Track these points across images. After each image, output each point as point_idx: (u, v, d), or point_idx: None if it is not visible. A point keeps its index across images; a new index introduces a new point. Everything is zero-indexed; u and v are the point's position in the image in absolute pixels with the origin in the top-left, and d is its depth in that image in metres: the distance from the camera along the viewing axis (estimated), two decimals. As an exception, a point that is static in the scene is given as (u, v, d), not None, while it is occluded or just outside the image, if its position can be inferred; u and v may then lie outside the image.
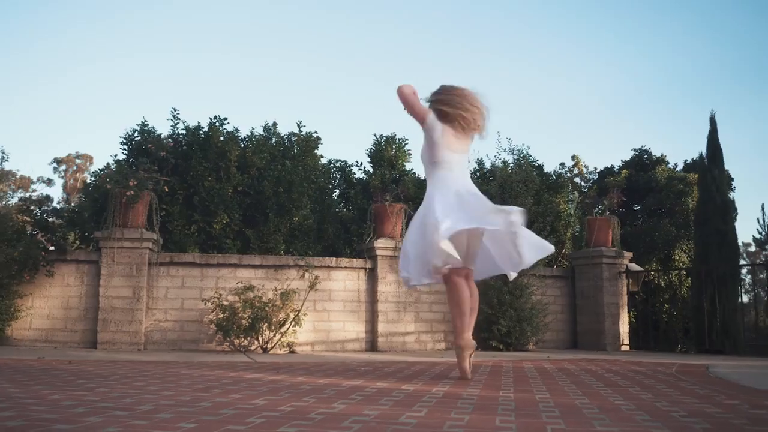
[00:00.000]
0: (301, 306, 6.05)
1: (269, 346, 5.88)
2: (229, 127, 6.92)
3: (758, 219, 14.01)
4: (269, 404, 2.32)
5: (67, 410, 2.08)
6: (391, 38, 44.11)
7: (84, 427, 1.78)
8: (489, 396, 2.70)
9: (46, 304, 5.90)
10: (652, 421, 2.09)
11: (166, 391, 2.68)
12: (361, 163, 8.11)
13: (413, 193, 7.22)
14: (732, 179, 8.59)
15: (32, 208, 6.11)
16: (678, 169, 8.85)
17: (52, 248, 5.92)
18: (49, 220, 6.21)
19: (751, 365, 5.09)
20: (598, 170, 9.63)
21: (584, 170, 10.79)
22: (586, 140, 42.70)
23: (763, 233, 14.30)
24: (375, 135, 7.99)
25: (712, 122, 7.16)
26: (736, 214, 7.25)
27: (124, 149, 6.68)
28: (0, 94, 40.74)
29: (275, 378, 3.37)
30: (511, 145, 7.58)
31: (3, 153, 9.66)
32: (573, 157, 11.10)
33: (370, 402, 2.44)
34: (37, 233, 6.11)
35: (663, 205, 8.41)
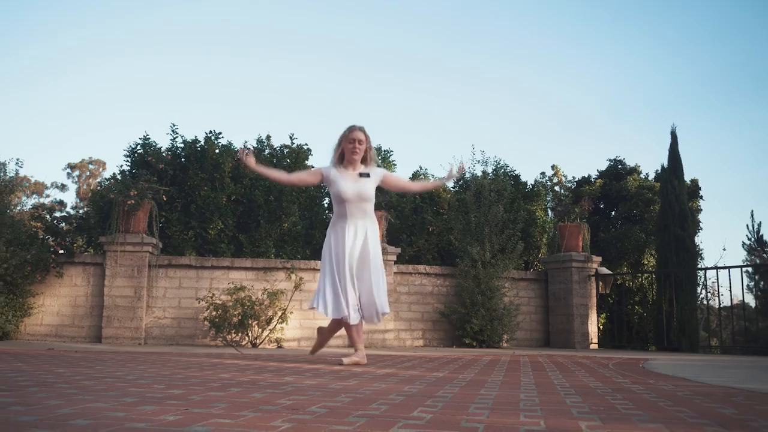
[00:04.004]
0: (287, 305, 6.60)
1: (258, 341, 6.43)
2: (223, 141, 7.51)
3: (747, 225, 14.43)
4: (231, 377, 2.87)
5: (68, 378, 2.64)
6: (382, 48, 44.81)
7: (80, 386, 2.33)
8: (418, 375, 3.23)
9: (56, 303, 6.50)
10: (534, 390, 2.61)
11: (151, 369, 3.24)
12: (350, 173, 8.66)
13: (395, 201, 7.78)
14: (699, 188, 9.06)
15: (44, 214, 6.70)
16: (650, 178, 9.35)
17: (61, 252, 6.51)
18: (59, 226, 6.81)
19: (689, 359, 5.57)
20: (576, 179, 10.14)
21: (563, 179, 11.31)
22: (566, 150, 43.13)
23: (752, 239, 14.71)
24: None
25: (673, 136, 7.67)
26: (696, 222, 7.70)
27: (128, 161, 7.28)
28: (8, 97, 41.62)
29: (249, 363, 3.92)
30: (484, 157, 8.10)
31: (17, 160, 10.29)
32: (553, 167, 11.60)
33: (316, 377, 2.98)
34: (48, 238, 6.72)
35: (633, 213, 8.91)
